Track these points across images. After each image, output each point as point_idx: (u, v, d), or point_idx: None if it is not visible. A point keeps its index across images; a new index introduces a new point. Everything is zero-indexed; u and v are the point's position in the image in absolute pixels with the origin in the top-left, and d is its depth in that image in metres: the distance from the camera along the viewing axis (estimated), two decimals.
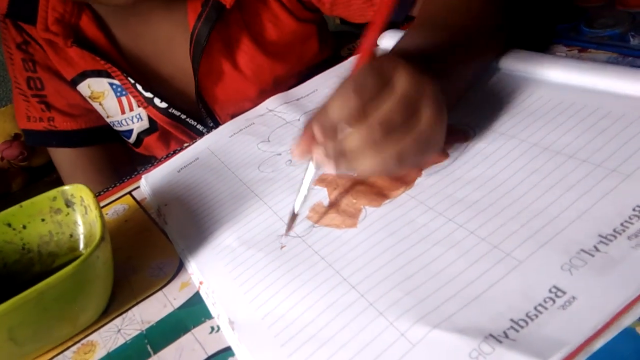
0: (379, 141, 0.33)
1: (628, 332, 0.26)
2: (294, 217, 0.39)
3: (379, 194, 0.39)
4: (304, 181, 0.38)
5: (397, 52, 0.41)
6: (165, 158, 0.58)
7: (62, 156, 0.71)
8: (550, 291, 0.28)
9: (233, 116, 0.69)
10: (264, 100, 0.68)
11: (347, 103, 0.33)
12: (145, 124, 0.69)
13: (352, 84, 0.33)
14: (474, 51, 0.44)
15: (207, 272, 0.39)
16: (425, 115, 0.34)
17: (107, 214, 0.52)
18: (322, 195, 0.42)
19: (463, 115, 0.44)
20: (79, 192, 0.43)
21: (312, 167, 0.38)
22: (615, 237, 0.29)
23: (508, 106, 0.43)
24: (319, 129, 0.34)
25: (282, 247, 0.38)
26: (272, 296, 0.34)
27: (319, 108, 0.35)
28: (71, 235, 0.44)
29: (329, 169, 0.35)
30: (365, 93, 0.33)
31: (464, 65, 0.43)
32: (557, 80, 0.43)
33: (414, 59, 0.36)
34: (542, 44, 0.50)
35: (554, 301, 0.27)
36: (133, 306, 0.40)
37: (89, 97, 0.67)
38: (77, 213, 0.44)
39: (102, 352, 0.37)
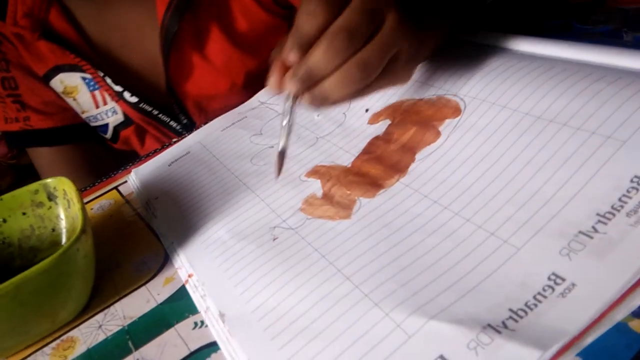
0: (342, 49, 0.31)
1: (620, 326, 0.25)
2: (281, 155, 0.37)
3: (373, 184, 0.38)
4: (283, 117, 0.36)
5: None
6: (155, 152, 0.57)
7: (39, 156, 0.70)
8: (549, 279, 0.27)
9: (207, 113, 0.69)
10: (236, 95, 0.67)
11: (315, 13, 0.31)
12: (120, 117, 0.68)
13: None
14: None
15: (197, 264, 0.38)
16: (389, 21, 0.33)
17: (92, 208, 0.51)
18: (316, 187, 0.41)
19: (452, 85, 0.43)
20: (61, 185, 0.42)
21: (289, 101, 0.35)
22: (613, 214, 0.28)
23: (497, 74, 0.41)
24: (288, 49, 0.33)
25: (274, 239, 0.37)
26: (264, 288, 0.33)
27: (286, 40, 0.33)
28: (53, 230, 0.44)
29: (306, 101, 0.34)
30: (328, 5, 0.31)
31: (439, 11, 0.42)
32: (548, 53, 0.42)
33: None
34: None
35: (553, 289, 0.26)
36: (115, 301, 0.39)
37: (63, 93, 0.66)
38: (60, 207, 0.43)
39: (82, 348, 0.36)
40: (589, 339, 0.25)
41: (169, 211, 0.45)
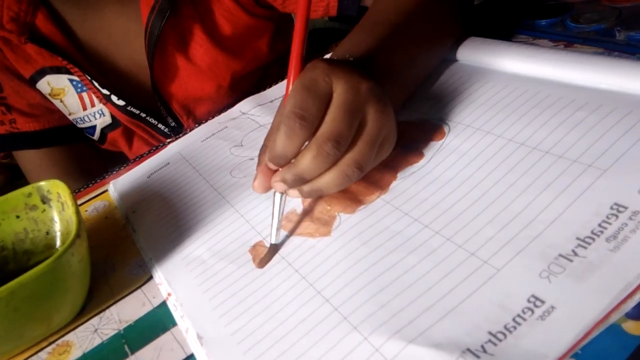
0: (331, 154, 0.32)
1: (614, 328, 0.25)
2: (272, 248, 0.37)
3: (354, 200, 0.38)
4: (274, 212, 0.36)
5: (333, 58, 0.41)
6: (134, 162, 0.56)
7: (26, 159, 0.69)
8: (528, 301, 0.27)
9: (194, 116, 0.69)
10: (222, 97, 0.67)
11: (294, 134, 0.32)
12: (107, 119, 0.68)
13: (294, 112, 0.32)
14: (421, 46, 0.44)
15: (175, 284, 0.37)
16: (370, 116, 0.34)
17: (86, 210, 0.51)
18: (296, 203, 0.40)
19: (436, 110, 0.43)
20: (55, 188, 0.42)
21: (278, 196, 0.36)
22: (593, 239, 0.28)
23: (482, 100, 0.42)
24: (273, 162, 0.34)
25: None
26: (244, 312, 0.33)
27: (268, 139, 0.35)
28: (47, 233, 0.43)
29: (295, 194, 0.35)
30: (309, 117, 0.32)
31: (410, 61, 0.43)
32: (531, 74, 0.42)
33: (351, 62, 0.36)
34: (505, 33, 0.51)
35: (532, 311, 0.26)
36: (111, 305, 0.39)
37: (50, 95, 0.65)
38: (54, 210, 0.43)
39: (78, 353, 0.36)
40: (583, 341, 0.25)
41: (147, 226, 0.44)
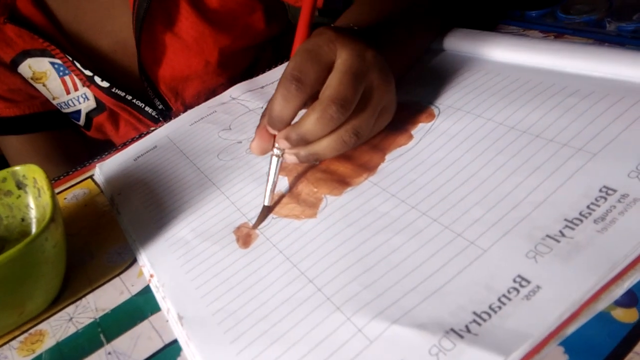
0: (335, 118, 0.33)
1: (603, 316, 0.25)
2: (264, 210, 0.37)
3: (341, 182, 0.37)
4: (269, 175, 0.37)
5: (337, 27, 0.41)
6: (122, 146, 0.55)
7: (8, 144, 0.68)
8: (514, 281, 0.26)
9: (183, 98, 0.67)
10: (210, 75, 0.66)
11: (291, 96, 0.33)
12: (92, 103, 0.66)
13: (292, 74, 0.33)
14: (411, 31, 0.45)
15: (157, 264, 0.37)
16: (374, 84, 0.34)
17: (65, 198, 0.50)
18: (283, 185, 0.40)
19: (427, 93, 0.43)
20: (31, 173, 0.40)
21: (274, 159, 0.37)
22: (581, 220, 0.28)
23: (473, 85, 0.42)
24: (270, 124, 0.34)
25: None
26: (226, 292, 0.32)
27: (269, 103, 0.35)
28: (23, 219, 0.42)
29: (291, 159, 0.35)
30: (307, 80, 0.33)
31: (409, 35, 0.44)
32: (524, 63, 0.42)
33: (356, 31, 0.37)
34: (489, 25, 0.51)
35: (517, 291, 0.26)
36: (87, 293, 0.38)
37: (31, 79, 0.64)
38: (30, 195, 0.41)
39: (51, 342, 0.35)
40: (572, 329, 0.24)
41: (132, 208, 0.44)
